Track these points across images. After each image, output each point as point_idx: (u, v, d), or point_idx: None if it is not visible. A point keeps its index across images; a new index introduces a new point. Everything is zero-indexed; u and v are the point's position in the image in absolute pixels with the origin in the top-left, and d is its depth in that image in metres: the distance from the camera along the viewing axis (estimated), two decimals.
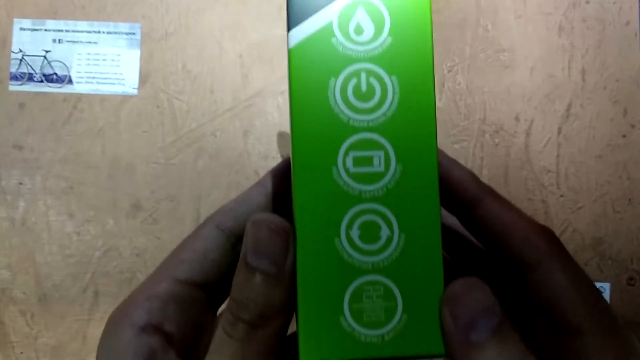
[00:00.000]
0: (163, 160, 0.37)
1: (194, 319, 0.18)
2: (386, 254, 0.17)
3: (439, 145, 0.17)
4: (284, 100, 0.37)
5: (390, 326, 0.16)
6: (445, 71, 0.37)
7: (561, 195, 0.36)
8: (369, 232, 0.17)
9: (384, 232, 0.17)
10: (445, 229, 0.20)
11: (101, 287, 0.36)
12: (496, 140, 0.37)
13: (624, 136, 0.37)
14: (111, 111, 0.37)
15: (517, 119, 0.37)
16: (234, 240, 0.18)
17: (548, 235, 0.18)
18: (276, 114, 0.37)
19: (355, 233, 0.17)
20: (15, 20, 0.37)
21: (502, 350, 0.15)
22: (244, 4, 0.38)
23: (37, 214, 0.36)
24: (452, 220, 0.20)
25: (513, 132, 0.37)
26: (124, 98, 0.37)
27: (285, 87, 0.37)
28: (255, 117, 0.37)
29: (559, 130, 0.37)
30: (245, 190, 0.19)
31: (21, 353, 0.36)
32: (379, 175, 0.17)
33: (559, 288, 0.17)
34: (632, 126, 0.37)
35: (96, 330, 0.36)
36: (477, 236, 0.19)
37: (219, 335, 0.16)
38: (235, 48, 0.37)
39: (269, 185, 0.19)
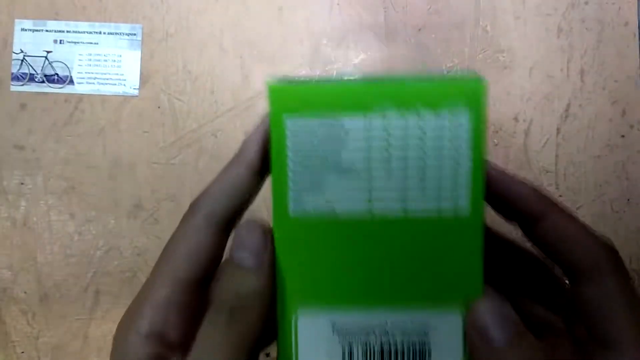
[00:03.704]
0: (164, 161, 0.37)
1: (197, 315, 0.19)
2: None
3: None
4: None
5: None
6: (445, 72, 0.37)
7: (560, 196, 0.36)
8: None
9: None
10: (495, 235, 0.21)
11: (102, 286, 0.36)
12: (495, 141, 0.37)
13: (622, 136, 0.37)
14: (112, 111, 0.37)
15: (516, 119, 0.37)
16: (223, 226, 0.19)
17: (608, 250, 0.18)
18: None
19: None
20: (17, 20, 0.38)
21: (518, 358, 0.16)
22: (244, 4, 0.38)
23: (39, 213, 0.36)
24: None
25: (512, 132, 0.37)
26: (125, 98, 0.37)
27: None
28: (255, 117, 0.37)
29: (558, 130, 0.37)
30: (224, 169, 0.20)
31: (22, 352, 0.36)
32: None
33: (609, 303, 0.18)
34: (631, 126, 0.37)
35: (97, 330, 0.36)
36: (534, 243, 0.20)
37: (204, 323, 0.17)
38: (235, 48, 0.37)
39: (247, 159, 0.19)
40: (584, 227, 0.19)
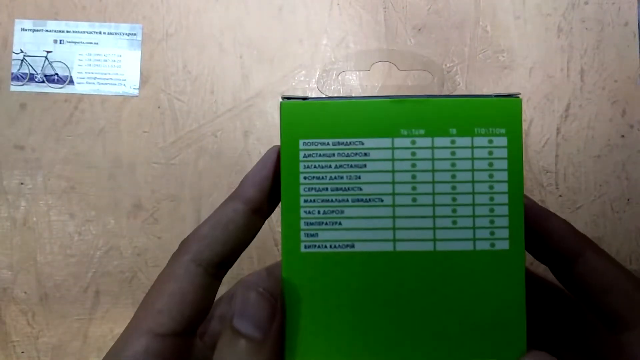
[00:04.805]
0: (164, 160, 0.37)
1: None
2: None
3: None
4: None
5: None
6: (445, 72, 0.37)
7: (560, 195, 0.36)
8: None
9: None
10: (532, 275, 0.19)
11: (102, 286, 0.36)
12: None
13: (622, 136, 0.37)
14: (112, 111, 0.37)
15: None
16: (214, 271, 0.17)
17: None
18: (276, 114, 0.37)
19: None
20: (17, 20, 0.38)
21: None
22: (244, 4, 0.38)
23: (39, 213, 0.36)
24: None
25: None
26: (125, 98, 0.37)
27: (285, 87, 0.37)
28: (255, 118, 0.37)
29: (558, 130, 0.37)
30: (220, 206, 0.18)
31: (22, 352, 0.36)
32: None
33: None
34: (631, 126, 0.37)
35: (97, 330, 0.36)
36: (569, 287, 0.18)
37: None
38: (235, 48, 0.37)
39: (246, 195, 0.18)
40: (622, 269, 0.17)
